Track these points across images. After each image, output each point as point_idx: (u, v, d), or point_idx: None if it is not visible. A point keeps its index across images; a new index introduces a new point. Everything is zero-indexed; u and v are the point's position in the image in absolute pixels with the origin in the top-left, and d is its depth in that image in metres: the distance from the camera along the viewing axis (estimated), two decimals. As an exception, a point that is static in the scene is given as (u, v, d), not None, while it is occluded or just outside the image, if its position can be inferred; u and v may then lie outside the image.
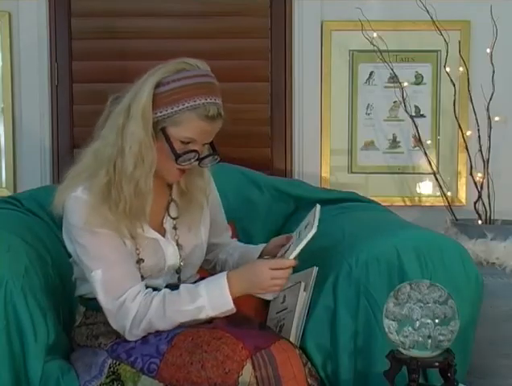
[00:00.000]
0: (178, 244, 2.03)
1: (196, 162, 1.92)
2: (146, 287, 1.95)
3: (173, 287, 1.98)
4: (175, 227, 2.04)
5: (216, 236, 2.17)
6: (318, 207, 1.97)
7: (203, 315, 1.88)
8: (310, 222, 1.94)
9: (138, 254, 1.96)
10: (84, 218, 1.88)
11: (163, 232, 2.02)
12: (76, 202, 1.89)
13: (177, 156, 1.88)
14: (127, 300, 1.89)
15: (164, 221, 2.03)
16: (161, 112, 1.87)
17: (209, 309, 1.88)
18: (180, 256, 2.03)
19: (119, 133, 1.88)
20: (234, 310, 1.89)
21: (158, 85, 1.88)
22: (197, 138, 1.89)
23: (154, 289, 1.97)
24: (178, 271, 2.05)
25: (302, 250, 1.89)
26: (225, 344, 1.79)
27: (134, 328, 1.89)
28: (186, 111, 1.86)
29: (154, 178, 1.94)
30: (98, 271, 1.90)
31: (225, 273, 1.91)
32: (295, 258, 1.90)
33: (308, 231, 1.89)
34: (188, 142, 1.89)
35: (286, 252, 1.96)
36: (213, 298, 1.89)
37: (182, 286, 1.93)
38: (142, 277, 1.96)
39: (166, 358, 1.83)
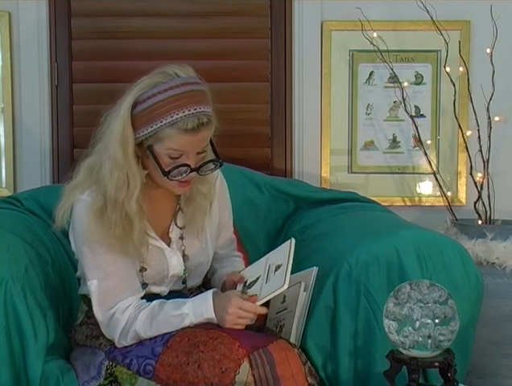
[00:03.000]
0: (184, 255, 2.02)
1: (193, 173, 1.89)
2: (149, 295, 1.97)
3: (176, 294, 1.99)
4: (181, 237, 2.03)
5: (218, 247, 2.16)
6: (293, 241, 1.97)
7: (186, 322, 1.89)
8: (283, 262, 1.92)
9: (142, 262, 1.96)
10: (86, 228, 1.89)
11: (168, 242, 2.01)
12: (81, 208, 1.90)
13: (165, 173, 1.85)
14: (117, 312, 1.91)
15: (170, 230, 2.02)
16: (142, 131, 1.85)
17: (192, 317, 1.88)
18: (185, 267, 2.03)
19: (105, 155, 1.88)
20: (215, 321, 1.88)
21: (135, 105, 1.84)
22: (183, 151, 1.86)
23: (157, 295, 1.99)
24: (184, 281, 2.05)
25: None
26: (221, 344, 1.79)
27: (122, 339, 1.91)
28: (165, 128, 1.82)
29: (161, 197, 1.97)
30: (94, 281, 1.92)
31: (211, 300, 1.90)
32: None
33: (278, 282, 1.87)
34: (178, 156, 1.86)
35: (250, 286, 1.96)
36: (197, 307, 1.89)
37: (170, 300, 1.94)
38: (145, 284, 1.97)
39: (161, 359, 1.83)
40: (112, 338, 1.93)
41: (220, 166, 1.94)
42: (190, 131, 1.83)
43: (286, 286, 1.85)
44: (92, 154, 1.95)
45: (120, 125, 1.84)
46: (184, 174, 1.87)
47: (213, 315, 1.88)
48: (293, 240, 1.98)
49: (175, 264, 2.01)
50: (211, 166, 1.93)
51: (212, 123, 1.88)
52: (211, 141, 1.93)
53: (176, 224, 2.03)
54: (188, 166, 1.86)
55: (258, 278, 1.96)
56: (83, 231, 1.90)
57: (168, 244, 2.01)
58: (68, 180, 1.97)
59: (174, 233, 2.02)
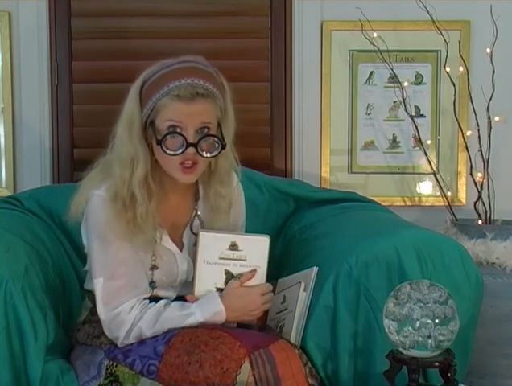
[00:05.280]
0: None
1: (193, 150, 1.85)
2: (155, 297, 1.96)
3: (184, 299, 1.98)
4: (196, 244, 2.00)
5: None
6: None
7: (191, 320, 1.89)
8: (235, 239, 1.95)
9: (154, 260, 1.96)
10: (100, 224, 1.89)
11: (180, 246, 2.01)
12: (97, 203, 1.90)
13: (159, 141, 1.85)
14: (122, 312, 1.90)
15: (184, 235, 2.02)
16: (145, 108, 1.88)
17: (199, 314, 1.89)
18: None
19: (116, 139, 1.91)
20: (224, 316, 1.89)
21: (143, 86, 1.89)
22: (180, 123, 1.85)
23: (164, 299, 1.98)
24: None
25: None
26: (222, 344, 1.79)
27: (126, 339, 1.91)
28: (162, 98, 1.84)
29: (177, 193, 1.98)
30: (100, 279, 1.91)
31: (217, 296, 1.91)
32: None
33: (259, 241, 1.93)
34: (176, 131, 1.85)
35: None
36: (204, 305, 1.90)
37: (176, 301, 1.94)
38: (154, 283, 1.97)
39: (164, 359, 1.83)
40: (114, 337, 1.93)
41: (224, 148, 1.89)
42: (184, 99, 1.84)
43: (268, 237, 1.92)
44: (109, 152, 1.96)
45: (129, 106, 1.89)
46: (181, 149, 1.85)
47: (221, 306, 1.88)
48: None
49: (184, 269, 2.01)
50: (213, 144, 1.88)
51: (213, 98, 1.88)
52: (220, 126, 1.91)
53: (191, 230, 2.02)
54: (184, 137, 1.84)
55: (228, 272, 1.95)
56: (96, 226, 1.90)
57: (180, 249, 2.01)
58: (85, 175, 1.98)
59: (187, 239, 2.02)
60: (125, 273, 1.91)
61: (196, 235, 1.98)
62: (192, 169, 1.89)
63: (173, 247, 1.99)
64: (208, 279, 1.94)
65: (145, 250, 1.93)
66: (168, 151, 1.85)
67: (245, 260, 1.93)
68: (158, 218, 1.93)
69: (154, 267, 1.96)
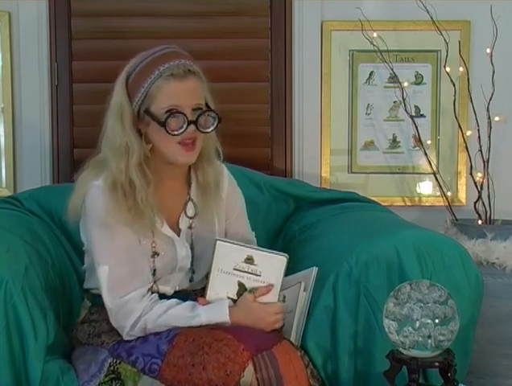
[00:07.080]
0: (192, 245, 2.04)
1: (193, 128, 1.91)
2: (154, 293, 1.97)
3: (183, 293, 2.00)
4: (190, 227, 2.04)
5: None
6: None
7: (195, 322, 1.90)
8: (252, 254, 1.96)
9: (154, 247, 1.96)
10: (101, 212, 1.90)
11: (178, 232, 2.03)
12: (96, 193, 1.92)
13: (162, 123, 1.89)
14: (131, 301, 1.90)
15: (180, 221, 2.04)
16: (137, 96, 1.92)
17: (204, 318, 1.90)
18: (193, 255, 2.04)
19: (107, 132, 1.96)
20: (229, 323, 1.91)
21: (128, 78, 1.94)
22: (178, 103, 1.90)
23: (162, 295, 1.98)
24: (191, 279, 2.05)
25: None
26: (226, 346, 1.80)
27: (131, 330, 1.91)
28: (155, 81, 1.90)
29: (172, 179, 2.01)
30: (105, 267, 1.92)
31: (226, 303, 1.92)
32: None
33: (276, 259, 1.95)
34: (177, 111, 1.90)
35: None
36: (211, 311, 1.92)
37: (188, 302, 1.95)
38: (155, 272, 1.97)
39: (167, 358, 1.84)
40: (120, 327, 1.92)
41: (220, 122, 1.96)
42: (177, 76, 1.90)
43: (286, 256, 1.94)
44: (103, 147, 1.98)
45: (117, 98, 1.94)
46: (184, 126, 1.90)
47: (227, 318, 1.90)
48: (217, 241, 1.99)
49: (183, 255, 2.02)
50: (208, 118, 1.96)
51: (200, 77, 1.95)
52: (208, 106, 1.97)
53: (186, 214, 2.04)
54: (184, 115, 1.89)
55: (241, 284, 1.96)
56: (97, 216, 1.91)
57: (178, 235, 2.03)
58: (77, 176, 1.99)
59: (183, 223, 2.04)
60: (129, 260, 1.92)
61: (191, 218, 2.03)
62: (193, 146, 1.95)
63: (171, 233, 2.01)
64: (221, 288, 1.96)
65: (145, 235, 1.95)
66: (173, 132, 1.90)
67: (259, 275, 1.95)
68: (157, 204, 1.95)
69: (155, 254, 1.97)
